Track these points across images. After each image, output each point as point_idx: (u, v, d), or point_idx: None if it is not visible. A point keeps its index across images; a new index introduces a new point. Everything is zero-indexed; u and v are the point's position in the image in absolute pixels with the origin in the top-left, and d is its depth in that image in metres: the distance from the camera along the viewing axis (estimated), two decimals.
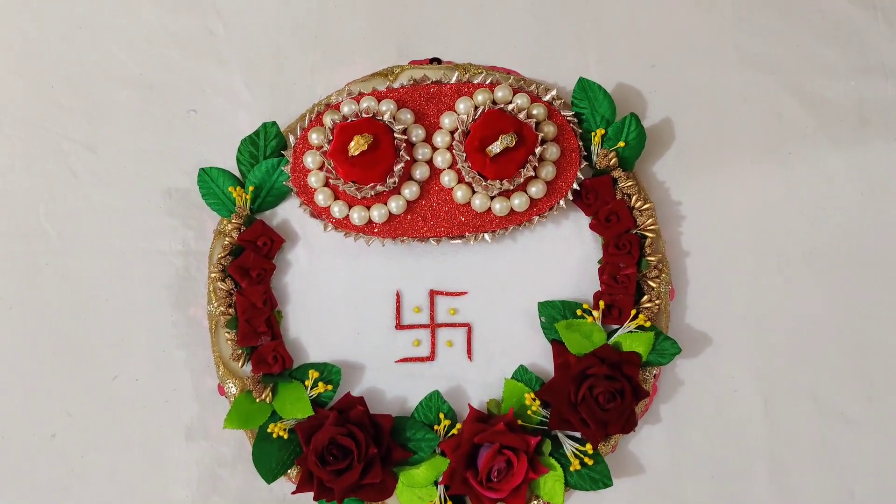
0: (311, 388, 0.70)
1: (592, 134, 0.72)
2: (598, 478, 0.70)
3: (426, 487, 0.69)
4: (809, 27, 0.77)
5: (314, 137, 0.70)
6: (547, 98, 0.72)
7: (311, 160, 0.70)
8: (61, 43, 0.77)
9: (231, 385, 0.71)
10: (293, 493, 0.69)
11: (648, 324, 0.70)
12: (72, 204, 0.75)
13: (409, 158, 0.70)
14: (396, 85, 0.72)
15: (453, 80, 0.72)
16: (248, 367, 0.71)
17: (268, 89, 0.76)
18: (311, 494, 0.68)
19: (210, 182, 0.72)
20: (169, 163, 0.75)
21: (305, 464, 0.68)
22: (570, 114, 0.72)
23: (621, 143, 0.72)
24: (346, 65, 0.76)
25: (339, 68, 0.76)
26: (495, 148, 0.67)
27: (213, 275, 0.71)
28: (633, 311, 0.71)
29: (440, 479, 0.69)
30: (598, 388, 0.68)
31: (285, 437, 0.69)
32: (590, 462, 0.69)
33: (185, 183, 0.75)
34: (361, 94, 0.71)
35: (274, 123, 0.73)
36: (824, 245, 0.75)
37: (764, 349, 0.74)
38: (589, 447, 0.69)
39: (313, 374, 0.70)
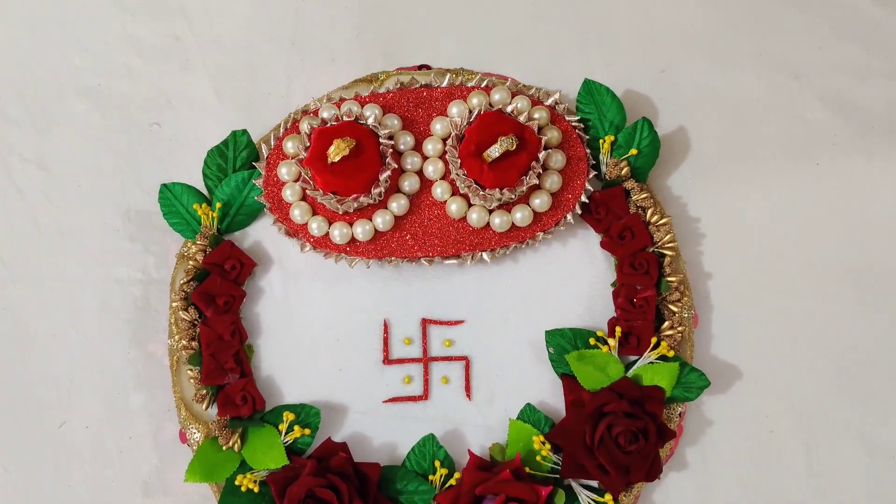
0: (286, 434, 0.66)
1: (601, 141, 0.70)
2: None
3: None
4: (832, 27, 0.76)
5: (290, 146, 0.67)
6: (549, 102, 0.68)
7: (285, 171, 0.67)
8: (9, 48, 0.75)
9: (194, 431, 0.67)
10: None
11: (672, 353, 0.66)
12: (18, 226, 0.72)
13: (395, 166, 0.65)
14: (382, 90, 0.67)
15: (444, 83, 0.68)
16: (214, 410, 0.67)
17: (240, 99, 0.74)
18: None
19: (172, 199, 0.70)
20: (129, 181, 0.73)
21: None
22: (576, 119, 0.69)
23: (633, 151, 0.69)
24: (326, 72, 0.75)
25: (319, 76, 0.74)
26: (494, 152, 0.64)
27: (174, 303, 0.68)
28: (654, 339, 0.67)
29: None
30: (617, 428, 0.64)
31: (256, 490, 0.65)
32: None
33: (146, 204, 0.72)
34: (343, 100, 0.67)
35: (244, 132, 0.71)
36: (864, 263, 0.72)
37: (802, 383, 0.70)
38: (608, 498, 0.65)
39: (289, 416, 0.66)
